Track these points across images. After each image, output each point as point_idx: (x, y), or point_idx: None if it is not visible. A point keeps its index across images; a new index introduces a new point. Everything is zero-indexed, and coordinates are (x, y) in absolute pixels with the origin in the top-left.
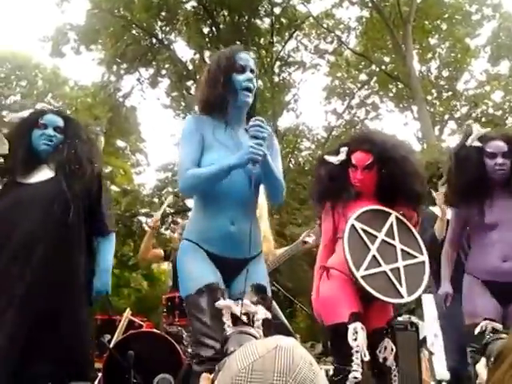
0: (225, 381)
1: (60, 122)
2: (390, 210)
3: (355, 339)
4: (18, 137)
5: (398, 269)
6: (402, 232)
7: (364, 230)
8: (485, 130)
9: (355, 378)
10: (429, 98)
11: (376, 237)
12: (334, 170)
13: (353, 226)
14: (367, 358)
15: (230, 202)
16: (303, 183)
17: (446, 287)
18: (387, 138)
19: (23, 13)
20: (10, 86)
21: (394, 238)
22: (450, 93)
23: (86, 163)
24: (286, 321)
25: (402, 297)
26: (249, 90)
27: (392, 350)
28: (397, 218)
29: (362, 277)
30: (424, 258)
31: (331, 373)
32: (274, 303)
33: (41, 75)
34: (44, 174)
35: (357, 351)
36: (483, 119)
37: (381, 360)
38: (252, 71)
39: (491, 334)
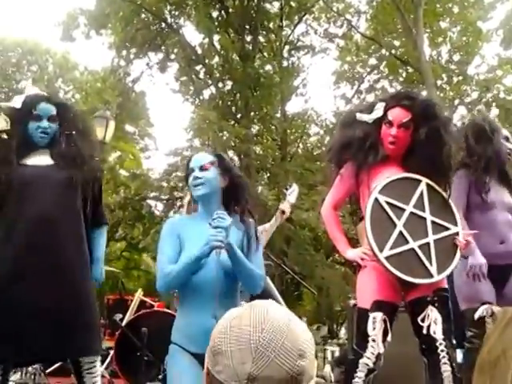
0: (209, 345)
1: (53, 111)
2: (420, 177)
3: (374, 328)
4: (14, 128)
5: (428, 244)
6: (434, 201)
7: (389, 204)
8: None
9: (366, 364)
10: (439, 82)
11: (403, 210)
12: (364, 129)
13: (376, 200)
14: (381, 349)
15: (210, 295)
16: (311, 168)
17: (479, 258)
18: (429, 98)
19: None
20: (21, 70)
21: (423, 210)
22: (461, 77)
23: (88, 158)
24: (280, 299)
25: (431, 276)
26: (196, 185)
27: (436, 319)
28: (428, 186)
29: (387, 257)
30: (458, 228)
31: (337, 354)
32: (268, 280)
33: (51, 60)
34: (46, 159)
35: (373, 340)
36: (494, 104)
37: (424, 331)
38: (202, 168)
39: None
